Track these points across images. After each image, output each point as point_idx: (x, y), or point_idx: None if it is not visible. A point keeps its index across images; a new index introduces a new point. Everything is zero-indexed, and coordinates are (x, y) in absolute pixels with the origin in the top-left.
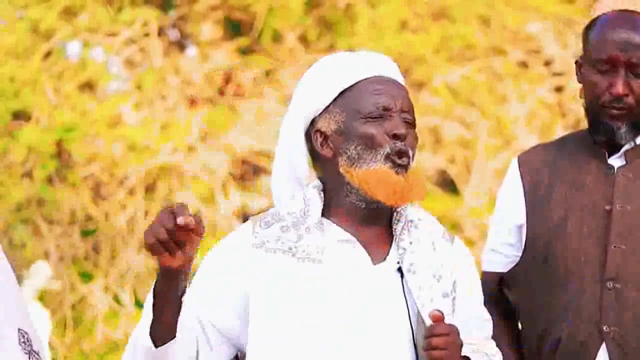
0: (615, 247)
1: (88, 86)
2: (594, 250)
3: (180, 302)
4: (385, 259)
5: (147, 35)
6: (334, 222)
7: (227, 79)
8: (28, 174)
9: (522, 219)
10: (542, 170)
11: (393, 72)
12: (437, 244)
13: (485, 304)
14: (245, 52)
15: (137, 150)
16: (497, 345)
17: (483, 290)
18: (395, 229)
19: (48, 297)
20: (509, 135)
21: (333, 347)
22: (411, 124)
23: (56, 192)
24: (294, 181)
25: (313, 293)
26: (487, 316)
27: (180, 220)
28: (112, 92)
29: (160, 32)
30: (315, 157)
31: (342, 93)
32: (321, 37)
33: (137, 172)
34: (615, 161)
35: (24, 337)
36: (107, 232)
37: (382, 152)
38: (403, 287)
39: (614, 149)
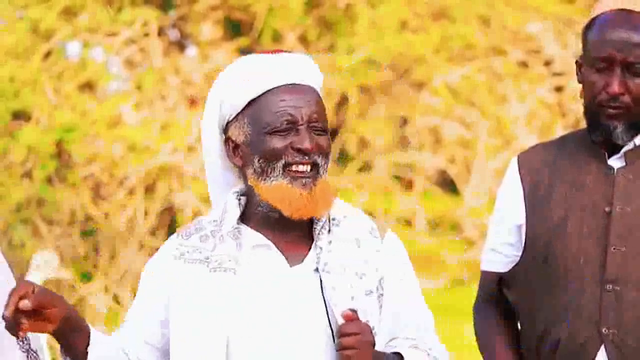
0: (615, 248)
1: (88, 86)
2: (593, 251)
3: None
4: (303, 260)
5: (147, 35)
6: (252, 228)
7: None
8: (28, 174)
9: (521, 218)
10: (542, 170)
11: (306, 74)
12: (362, 240)
13: (484, 302)
14: (245, 52)
15: (137, 151)
16: (495, 346)
17: (483, 290)
18: (315, 229)
19: None
20: (509, 135)
21: (252, 353)
22: (322, 130)
23: (56, 192)
24: (224, 184)
25: (227, 303)
26: (425, 311)
27: (22, 304)
28: (112, 92)
29: (160, 32)
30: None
31: (250, 102)
32: (321, 37)
33: (137, 172)
34: (615, 162)
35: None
36: (107, 233)
37: (280, 164)
38: (322, 287)
39: (614, 149)
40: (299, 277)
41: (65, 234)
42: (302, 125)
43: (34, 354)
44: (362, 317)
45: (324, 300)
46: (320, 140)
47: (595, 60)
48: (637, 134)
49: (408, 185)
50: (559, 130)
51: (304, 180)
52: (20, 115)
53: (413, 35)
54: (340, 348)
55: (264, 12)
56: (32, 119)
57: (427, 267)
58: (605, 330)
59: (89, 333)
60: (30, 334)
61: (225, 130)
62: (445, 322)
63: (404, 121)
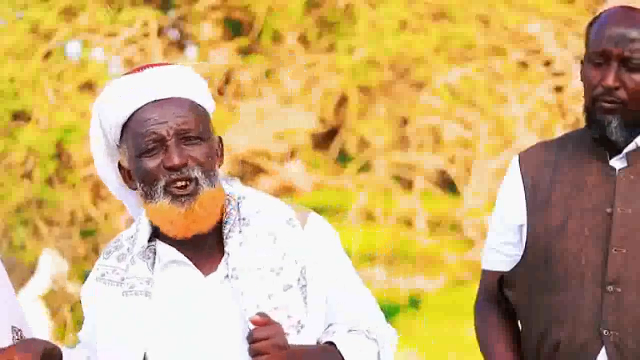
0: (615, 250)
1: (88, 86)
2: (594, 252)
3: None
4: (217, 269)
5: (146, 35)
6: (167, 242)
7: (227, 79)
8: (28, 175)
9: (522, 218)
10: (543, 169)
11: (172, 86)
12: (278, 233)
13: (485, 302)
14: (244, 52)
15: None
16: (495, 347)
17: (484, 289)
18: (224, 233)
19: (48, 298)
20: (509, 136)
21: None
22: (195, 138)
23: (56, 193)
24: (133, 197)
25: (141, 327)
26: (361, 292)
27: None
28: None
29: (160, 32)
30: None
31: (125, 127)
32: (321, 38)
33: None
34: (617, 163)
35: (17, 334)
36: (107, 233)
37: (160, 186)
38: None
39: (616, 150)
40: (212, 287)
41: (65, 234)
42: (170, 140)
43: None
44: (282, 315)
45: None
46: (194, 151)
47: (593, 55)
48: (633, 132)
49: (408, 185)
50: (559, 130)
51: (182, 199)
52: (20, 116)
53: (413, 36)
54: (252, 354)
55: (264, 12)
56: (32, 119)
57: (427, 267)
58: (605, 332)
59: None
60: (25, 332)
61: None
62: (445, 322)
63: (404, 121)
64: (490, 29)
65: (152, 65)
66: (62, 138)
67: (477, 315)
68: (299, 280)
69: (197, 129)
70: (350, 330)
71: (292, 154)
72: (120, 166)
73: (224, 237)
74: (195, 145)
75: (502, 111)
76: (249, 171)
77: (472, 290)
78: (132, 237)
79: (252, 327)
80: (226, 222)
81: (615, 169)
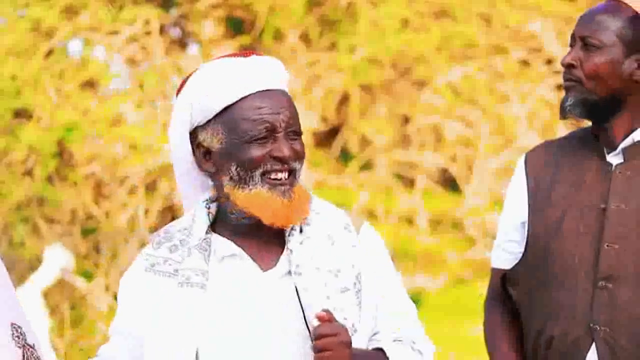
0: (608, 246)
1: (89, 85)
2: (588, 249)
3: None
4: (275, 264)
5: (148, 33)
6: (223, 235)
7: None
8: (29, 173)
9: (524, 216)
10: (545, 168)
11: (278, 79)
12: (336, 237)
13: (492, 300)
14: (246, 50)
15: (138, 150)
16: (499, 347)
17: (491, 288)
18: (285, 231)
19: (48, 295)
20: (510, 134)
21: None
22: (296, 133)
23: (57, 191)
24: (190, 187)
25: (195, 319)
26: (406, 303)
27: None
28: (114, 91)
29: (162, 30)
30: (199, 166)
31: (225, 109)
32: (322, 36)
33: (138, 172)
34: (614, 159)
35: (17, 331)
36: (108, 232)
37: (259, 174)
38: (297, 289)
39: (613, 146)
40: (272, 282)
41: (66, 232)
42: (280, 132)
43: (30, 349)
44: (339, 316)
45: (300, 303)
46: (297, 145)
47: (570, 39)
48: (589, 113)
49: (409, 183)
50: (561, 129)
51: (282, 188)
52: (22, 114)
53: (414, 34)
54: (316, 350)
55: (266, 10)
56: (33, 117)
57: (428, 265)
58: (596, 329)
59: None
60: (25, 329)
61: (193, 135)
62: (446, 321)
63: (405, 120)
64: (492, 27)
65: (254, 53)
66: (63, 136)
67: (485, 314)
68: (354, 284)
69: (298, 124)
70: (395, 340)
71: None
72: (197, 146)
73: (286, 234)
74: (295, 141)
75: (503, 110)
76: None
77: (474, 289)
78: (186, 228)
79: (316, 323)
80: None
81: (612, 165)
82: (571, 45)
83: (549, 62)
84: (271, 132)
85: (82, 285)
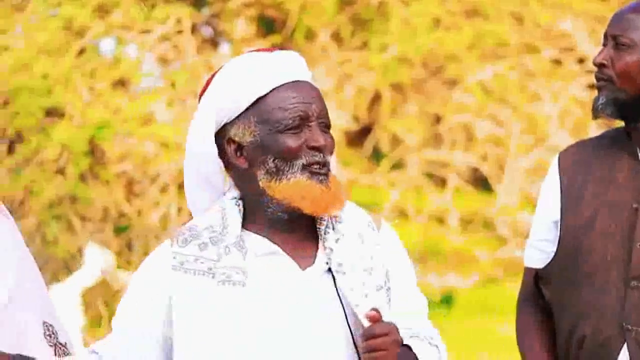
0: None
1: (121, 83)
2: (620, 248)
3: None
4: (313, 262)
5: (180, 32)
6: (257, 234)
7: None
8: (61, 171)
9: (557, 215)
10: (577, 167)
11: (305, 71)
12: (364, 235)
13: (525, 300)
14: (278, 49)
15: (169, 148)
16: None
17: (524, 287)
18: (319, 228)
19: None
20: (542, 133)
21: None
22: (327, 126)
23: (89, 190)
24: (207, 188)
25: (237, 317)
26: (420, 298)
27: None
28: (145, 89)
29: (194, 29)
30: (228, 164)
31: (256, 101)
32: (354, 35)
33: (169, 170)
34: None
35: (49, 329)
36: (140, 229)
37: (299, 164)
38: (336, 287)
39: None
40: (312, 280)
41: (99, 230)
42: (313, 121)
43: (62, 347)
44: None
45: (341, 302)
46: (328, 137)
47: (603, 38)
48: (620, 112)
49: (440, 182)
50: (592, 128)
51: (320, 177)
52: (54, 113)
53: (446, 33)
54: (368, 350)
55: (297, 9)
56: (65, 116)
57: (459, 264)
58: (628, 328)
59: None
60: (57, 328)
61: (219, 133)
62: (476, 320)
63: (437, 119)
64: (523, 26)
65: (277, 48)
66: (95, 135)
67: (518, 313)
68: (385, 282)
69: (328, 118)
70: (412, 336)
71: None
72: (227, 141)
73: (322, 231)
74: (327, 134)
75: (535, 109)
76: None
77: (504, 288)
78: (212, 226)
79: (365, 323)
80: (322, 218)
81: None
82: (604, 45)
83: (581, 61)
84: (304, 121)
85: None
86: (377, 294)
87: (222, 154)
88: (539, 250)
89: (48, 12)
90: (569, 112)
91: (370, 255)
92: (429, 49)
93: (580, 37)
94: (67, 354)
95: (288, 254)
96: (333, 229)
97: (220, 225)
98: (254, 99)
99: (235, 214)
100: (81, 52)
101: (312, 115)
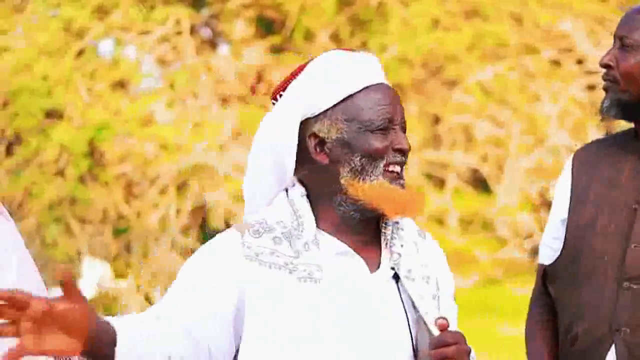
0: (635, 246)
1: (120, 85)
2: (617, 248)
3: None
4: (379, 266)
5: (179, 33)
6: (328, 233)
7: (259, 78)
8: (60, 173)
9: (565, 213)
10: (586, 166)
11: (384, 75)
12: (417, 243)
13: (535, 297)
14: (277, 50)
15: (169, 149)
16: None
17: (536, 284)
18: (385, 233)
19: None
20: (541, 134)
21: None
22: (404, 130)
23: (88, 191)
24: (274, 180)
25: (314, 312)
26: (455, 306)
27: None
28: (145, 90)
29: (193, 30)
30: (302, 159)
31: (344, 99)
32: (353, 36)
33: (169, 171)
34: None
35: None
36: (139, 231)
37: (381, 166)
38: (400, 293)
39: None
40: (379, 284)
41: (98, 232)
42: (397, 124)
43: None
44: None
45: (404, 308)
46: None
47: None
48: (625, 113)
49: (440, 183)
50: (592, 129)
51: (400, 181)
52: (53, 114)
53: (445, 34)
54: (439, 358)
55: (296, 10)
56: (64, 117)
57: (459, 265)
58: (617, 329)
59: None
60: None
61: (301, 126)
62: (477, 320)
63: (436, 119)
64: (523, 27)
65: (356, 51)
66: (94, 136)
67: (529, 310)
68: (436, 290)
69: (405, 122)
70: None
71: None
72: (311, 136)
73: (388, 236)
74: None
75: (534, 109)
76: None
77: (504, 288)
78: (282, 221)
79: (434, 331)
80: (386, 223)
81: None
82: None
83: (580, 61)
84: (391, 124)
85: (122, 286)
86: (433, 302)
87: (299, 148)
88: (549, 247)
89: (48, 13)
90: (569, 112)
91: (425, 263)
92: (429, 49)
93: (579, 38)
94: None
95: (359, 255)
96: (398, 235)
97: (292, 221)
98: (344, 96)
99: (308, 211)
100: (80, 53)
101: (396, 119)
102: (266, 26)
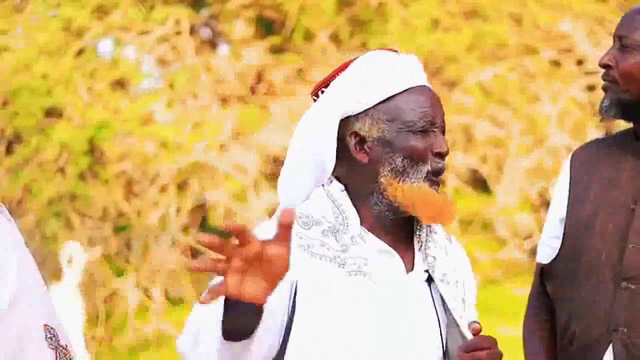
0: (633, 246)
1: (120, 84)
2: (614, 248)
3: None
4: (413, 267)
5: (179, 33)
6: (367, 230)
7: (259, 78)
8: (61, 171)
9: (564, 213)
10: (585, 166)
11: (425, 77)
12: (447, 247)
13: (532, 296)
14: (277, 50)
15: (169, 148)
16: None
17: (533, 283)
18: (419, 235)
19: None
20: (541, 134)
21: (372, 357)
22: (443, 133)
23: (89, 189)
24: (312, 176)
25: (360, 305)
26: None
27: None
28: (144, 90)
29: (192, 30)
30: (340, 156)
31: (386, 99)
32: (353, 36)
33: (169, 170)
34: None
35: (50, 332)
36: (139, 229)
37: (424, 170)
38: (432, 295)
39: None
40: (413, 285)
41: (98, 230)
42: (437, 127)
43: (63, 350)
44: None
45: (436, 310)
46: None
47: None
48: (624, 113)
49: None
50: (591, 130)
51: (437, 187)
52: (53, 113)
53: (445, 34)
54: None
55: (296, 10)
56: (64, 116)
57: None
58: (615, 329)
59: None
60: (58, 330)
61: (341, 124)
62: None
63: None
64: (523, 27)
65: (400, 52)
66: (94, 135)
67: (526, 308)
68: (464, 294)
69: (445, 125)
70: None
71: None
72: (352, 134)
73: (422, 239)
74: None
75: (534, 110)
76: (281, 170)
77: (504, 289)
78: (324, 216)
79: (469, 334)
80: (421, 226)
81: None
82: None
83: (580, 62)
84: (431, 126)
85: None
86: (462, 306)
87: (337, 146)
88: (547, 246)
89: (48, 13)
90: (568, 113)
91: (453, 267)
92: (429, 49)
93: (579, 38)
94: (68, 357)
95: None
96: (432, 239)
97: (336, 216)
98: (387, 96)
99: (351, 206)
100: (80, 52)
101: (437, 121)
102: (266, 26)
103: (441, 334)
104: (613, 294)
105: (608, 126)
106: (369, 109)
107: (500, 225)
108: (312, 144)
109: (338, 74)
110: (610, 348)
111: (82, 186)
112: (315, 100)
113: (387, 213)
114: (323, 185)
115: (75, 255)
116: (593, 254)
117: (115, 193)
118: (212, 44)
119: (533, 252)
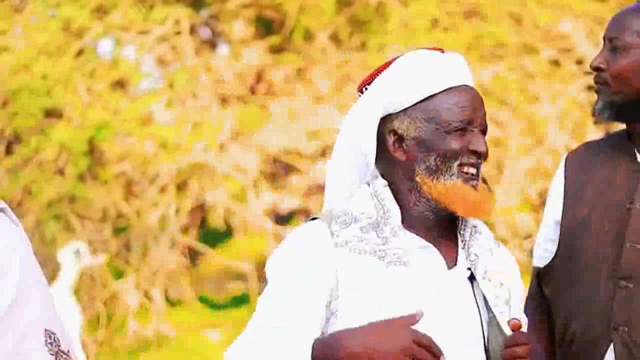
0: (630, 245)
1: (120, 84)
2: (611, 248)
3: None
4: (455, 264)
5: (178, 33)
6: (406, 228)
7: (259, 78)
8: (60, 172)
9: (559, 215)
10: (580, 168)
11: (471, 77)
12: (493, 250)
13: (529, 298)
14: (276, 50)
15: (168, 149)
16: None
17: (530, 286)
18: (462, 234)
19: (80, 293)
20: (541, 134)
21: None
22: (485, 133)
23: (88, 190)
24: (356, 174)
25: (401, 296)
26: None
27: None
28: (144, 90)
29: (192, 30)
30: (381, 153)
31: (425, 98)
32: (352, 36)
33: (168, 171)
34: None
35: (50, 337)
36: (139, 230)
37: (455, 166)
38: (474, 292)
39: None
40: (455, 281)
41: (97, 230)
42: (476, 127)
43: (64, 355)
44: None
45: (478, 307)
46: (485, 144)
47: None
48: (618, 115)
49: None
50: (591, 130)
51: (474, 182)
52: (53, 113)
53: (444, 34)
54: (512, 357)
55: (296, 10)
56: (64, 116)
57: None
58: (615, 327)
59: None
60: (59, 335)
61: (381, 122)
62: None
63: None
64: (522, 27)
65: (445, 51)
66: (94, 135)
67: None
68: (509, 296)
69: (486, 125)
70: None
71: (324, 153)
72: (391, 132)
73: (465, 238)
74: (484, 140)
75: (534, 110)
76: (281, 170)
77: None
78: (363, 213)
79: (507, 330)
80: (465, 226)
81: None
82: (602, 49)
83: (580, 62)
84: (469, 126)
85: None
86: (505, 307)
87: (378, 142)
88: (543, 249)
89: (47, 13)
90: (568, 113)
91: (499, 269)
92: None
93: (579, 38)
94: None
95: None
96: (476, 238)
97: (378, 210)
98: (425, 96)
99: (393, 200)
100: (80, 53)
101: (476, 122)
102: (265, 26)
103: (482, 331)
104: (611, 293)
105: (607, 126)
106: (408, 107)
107: (500, 225)
108: (355, 140)
109: (381, 72)
110: (611, 347)
111: (82, 188)
112: (360, 96)
113: (426, 213)
114: (368, 183)
115: (81, 253)
116: (589, 254)
117: (114, 193)
118: (212, 44)
119: (533, 252)
